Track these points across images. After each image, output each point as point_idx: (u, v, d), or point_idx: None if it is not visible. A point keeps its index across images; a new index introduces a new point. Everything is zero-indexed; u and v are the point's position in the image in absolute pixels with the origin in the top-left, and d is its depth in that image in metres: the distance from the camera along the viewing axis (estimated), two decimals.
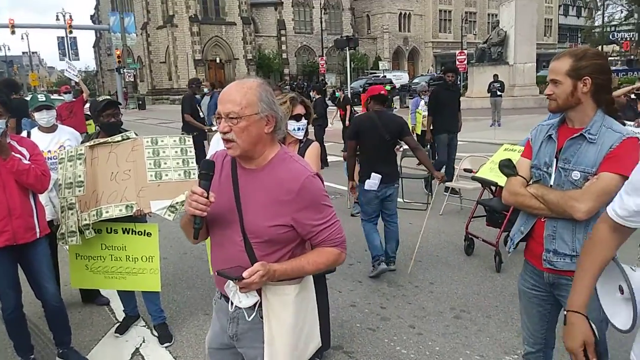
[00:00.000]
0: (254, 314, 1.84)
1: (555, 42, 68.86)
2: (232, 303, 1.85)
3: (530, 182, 2.28)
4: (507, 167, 2.32)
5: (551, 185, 2.18)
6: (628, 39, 42.98)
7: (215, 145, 4.27)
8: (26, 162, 3.23)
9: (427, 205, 7.52)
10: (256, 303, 1.83)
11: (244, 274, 1.68)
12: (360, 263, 5.36)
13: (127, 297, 4.05)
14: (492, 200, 5.51)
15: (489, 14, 59.04)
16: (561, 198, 2.10)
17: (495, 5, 50.32)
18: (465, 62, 29.64)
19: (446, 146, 8.38)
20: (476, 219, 5.70)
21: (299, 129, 3.17)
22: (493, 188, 5.69)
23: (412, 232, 6.42)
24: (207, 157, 2.02)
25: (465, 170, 7.20)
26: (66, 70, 12.36)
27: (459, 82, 35.90)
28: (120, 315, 4.22)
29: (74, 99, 9.56)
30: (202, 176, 1.77)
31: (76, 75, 11.50)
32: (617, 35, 44.05)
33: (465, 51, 34.06)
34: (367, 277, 4.98)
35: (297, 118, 3.15)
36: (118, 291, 4.06)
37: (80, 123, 9.40)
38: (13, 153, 3.18)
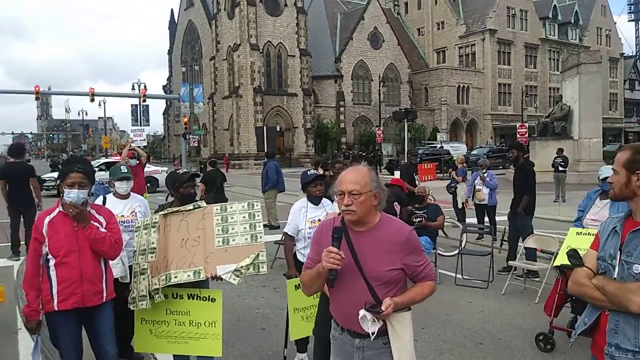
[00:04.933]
0: (379, 338, 2.37)
1: (621, 116, 66.95)
2: (370, 333, 2.33)
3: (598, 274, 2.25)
4: (573, 257, 2.33)
5: (614, 278, 2.15)
6: None
7: (296, 213, 4.50)
8: (103, 230, 3.42)
9: (487, 283, 7.23)
10: (380, 327, 2.35)
11: (382, 308, 2.27)
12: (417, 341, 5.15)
13: None
14: None
15: (550, 88, 58.54)
16: (618, 289, 2.08)
17: (557, 79, 49.91)
18: (526, 135, 29.27)
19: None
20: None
21: None
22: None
23: (472, 311, 6.17)
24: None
25: (528, 249, 6.94)
26: (135, 142, 12.69)
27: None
28: None
29: (137, 163, 10.10)
30: (335, 239, 2.35)
31: (144, 140, 11.84)
32: None
33: (526, 124, 33.70)
34: (422, 355, 4.77)
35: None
36: (174, 355, 4.07)
37: (142, 185, 9.84)
38: (91, 221, 3.38)
